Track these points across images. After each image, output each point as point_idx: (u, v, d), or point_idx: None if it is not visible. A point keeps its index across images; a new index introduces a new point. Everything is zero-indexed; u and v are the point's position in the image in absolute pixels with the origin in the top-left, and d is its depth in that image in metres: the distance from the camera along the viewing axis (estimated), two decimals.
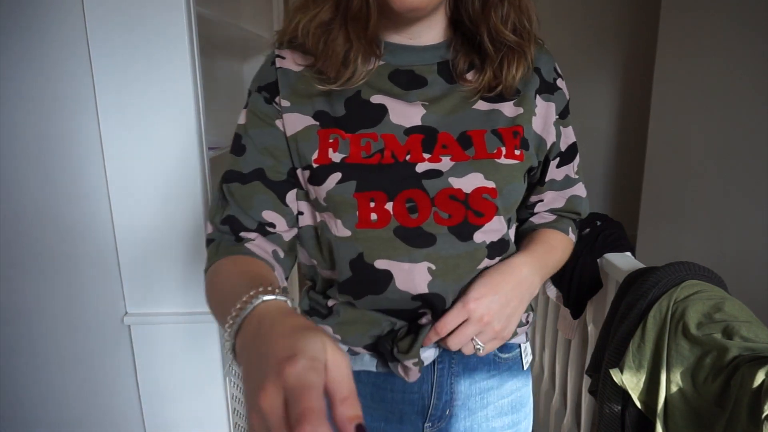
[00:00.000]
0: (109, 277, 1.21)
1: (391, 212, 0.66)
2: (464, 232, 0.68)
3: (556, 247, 0.79)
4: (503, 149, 0.69)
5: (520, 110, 0.71)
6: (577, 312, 1.59)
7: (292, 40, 0.69)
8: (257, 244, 0.69)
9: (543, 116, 0.74)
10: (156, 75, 1.09)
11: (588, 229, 1.55)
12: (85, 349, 1.25)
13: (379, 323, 0.72)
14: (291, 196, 0.71)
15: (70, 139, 1.14)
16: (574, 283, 1.53)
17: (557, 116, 0.75)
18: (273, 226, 0.71)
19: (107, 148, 1.13)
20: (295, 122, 0.69)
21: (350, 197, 0.65)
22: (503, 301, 0.68)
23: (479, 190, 0.67)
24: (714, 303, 1.01)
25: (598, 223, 1.57)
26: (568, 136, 0.79)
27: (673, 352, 1.02)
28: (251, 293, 0.49)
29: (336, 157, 0.66)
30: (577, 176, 0.83)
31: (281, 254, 0.72)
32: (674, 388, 1.00)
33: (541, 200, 0.82)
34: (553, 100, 0.75)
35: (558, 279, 1.63)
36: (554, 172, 0.80)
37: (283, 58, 0.70)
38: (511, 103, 0.71)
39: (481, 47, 0.69)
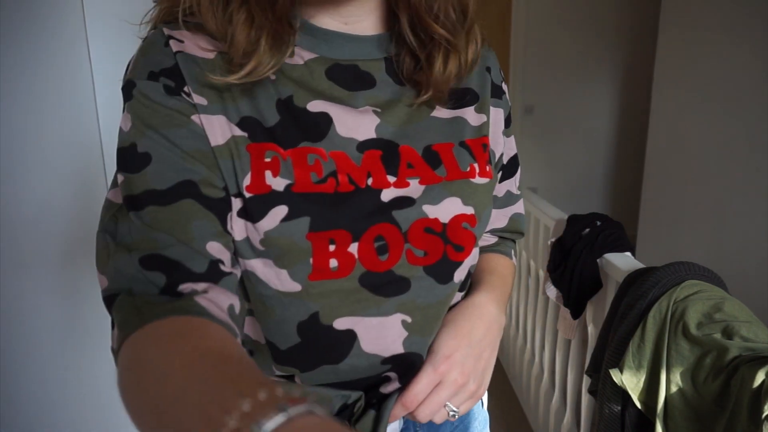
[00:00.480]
0: None
1: (356, 256, 0.50)
2: (443, 271, 0.55)
3: (507, 276, 0.68)
4: (476, 166, 0.57)
5: (484, 118, 0.60)
6: (576, 312, 1.59)
7: (187, 20, 0.49)
8: (210, 297, 0.45)
9: (494, 124, 0.62)
10: None
11: (588, 229, 1.55)
12: (85, 351, 1.25)
13: (328, 401, 0.54)
14: (230, 221, 0.49)
15: (72, 139, 1.14)
16: (574, 283, 1.53)
17: (503, 125, 0.64)
18: (222, 263, 0.48)
19: (107, 148, 1.13)
20: (215, 129, 0.49)
21: (302, 240, 0.48)
22: (476, 353, 0.56)
23: (458, 219, 0.54)
24: (714, 303, 1.01)
25: (598, 223, 1.57)
26: (511, 148, 0.68)
27: (673, 352, 1.02)
28: (249, 405, 0.26)
29: (277, 183, 0.48)
30: (518, 192, 0.72)
31: (236, 309, 0.48)
32: (674, 388, 1.01)
33: None
34: (501, 106, 0.64)
35: (558, 279, 1.63)
36: (496, 188, 0.67)
37: (181, 41, 0.49)
38: (473, 108, 0.59)
39: (425, 36, 0.54)
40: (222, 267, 0.48)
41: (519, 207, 0.72)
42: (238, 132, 0.49)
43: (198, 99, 0.48)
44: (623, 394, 1.13)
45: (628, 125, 4.19)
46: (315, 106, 0.51)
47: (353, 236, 0.50)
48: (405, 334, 0.53)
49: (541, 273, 1.90)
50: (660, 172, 3.12)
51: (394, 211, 0.52)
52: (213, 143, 0.48)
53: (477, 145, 0.58)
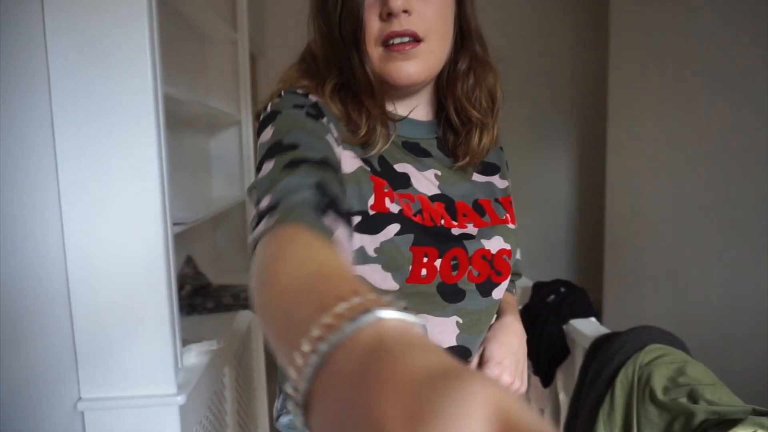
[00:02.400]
0: (62, 359, 1.16)
1: (438, 269, 0.67)
2: (487, 289, 0.72)
3: (516, 306, 0.86)
4: (508, 216, 0.77)
5: (506, 183, 0.82)
6: (547, 380, 1.58)
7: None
8: (340, 233, 0.52)
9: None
10: (120, 150, 1.09)
11: (553, 296, 1.58)
12: None
13: None
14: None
15: (28, 213, 1.12)
16: (543, 351, 1.54)
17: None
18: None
19: (67, 223, 1.11)
20: (347, 159, 0.65)
21: (407, 250, 0.64)
22: (516, 359, 0.74)
23: (501, 252, 0.72)
24: (677, 367, 1.03)
25: (563, 289, 1.60)
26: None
27: (643, 418, 1.02)
28: (353, 301, 0.29)
29: (393, 207, 0.65)
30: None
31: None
32: None
33: None
34: (509, 177, 0.84)
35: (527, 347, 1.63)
36: None
37: (315, 97, 0.67)
38: (498, 176, 0.81)
39: (460, 119, 0.74)
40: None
41: (518, 253, 0.89)
42: (363, 165, 0.66)
43: (334, 132, 0.64)
44: None
45: (587, 192, 4.36)
46: (400, 167, 0.70)
47: (439, 253, 0.67)
48: (458, 331, 0.70)
49: None
50: (620, 238, 3.22)
51: (464, 240, 0.69)
52: (344, 170, 0.64)
53: (506, 202, 0.79)
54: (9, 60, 1.07)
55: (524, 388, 0.77)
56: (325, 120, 0.64)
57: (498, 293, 0.73)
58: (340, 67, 0.69)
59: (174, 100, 1.36)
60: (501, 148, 0.85)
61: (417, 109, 0.74)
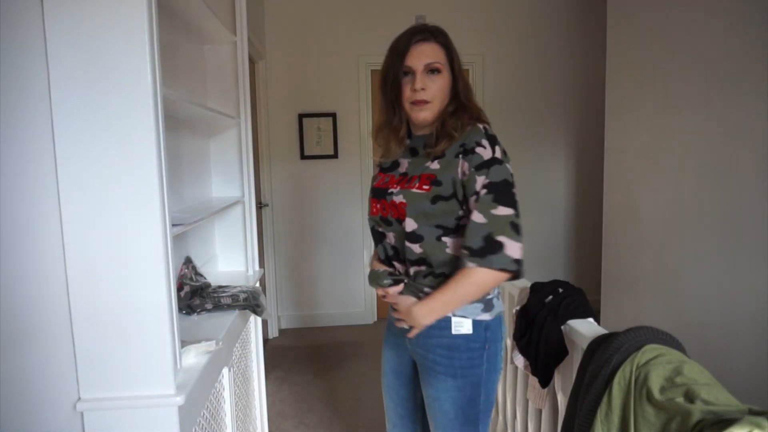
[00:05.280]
0: (61, 359, 1.16)
1: (379, 208, 1.36)
2: (400, 220, 1.29)
3: (449, 289, 1.29)
4: (417, 184, 1.28)
5: (438, 167, 1.27)
6: (545, 380, 1.59)
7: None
8: None
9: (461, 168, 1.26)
10: (120, 151, 1.10)
11: (551, 296, 1.58)
12: None
13: None
14: None
15: (28, 214, 1.12)
16: (541, 351, 1.54)
17: (473, 168, 1.21)
18: None
19: (66, 224, 1.11)
20: (375, 172, 1.48)
21: (369, 201, 1.43)
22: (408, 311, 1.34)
23: (401, 203, 1.28)
24: (674, 367, 1.03)
25: (560, 290, 1.60)
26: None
27: (640, 418, 1.02)
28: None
29: (376, 183, 1.41)
30: None
31: None
32: None
33: None
34: (468, 160, 1.23)
35: (525, 347, 1.64)
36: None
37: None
38: (436, 162, 1.28)
39: (439, 134, 1.30)
40: None
41: (471, 238, 1.33)
42: (379, 170, 1.47)
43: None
44: None
45: (585, 194, 4.37)
46: (399, 160, 1.39)
47: (377, 201, 1.37)
48: (395, 238, 1.36)
49: (509, 342, 1.90)
50: (617, 240, 3.23)
51: (386, 195, 1.35)
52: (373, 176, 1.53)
53: (424, 177, 1.31)
54: (8, 60, 1.08)
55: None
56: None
57: (404, 225, 1.28)
58: (386, 113, 1.34)
59: (173, 102, 1.36)
60: (465, 146, 1.24)
61: (422, 129, 1.35)
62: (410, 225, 1.26)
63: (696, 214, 2.52)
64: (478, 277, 1.19)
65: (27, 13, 1.07)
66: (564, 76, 4.23)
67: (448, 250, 1.26)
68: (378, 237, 1.40)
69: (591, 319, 1.50)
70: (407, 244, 1.28)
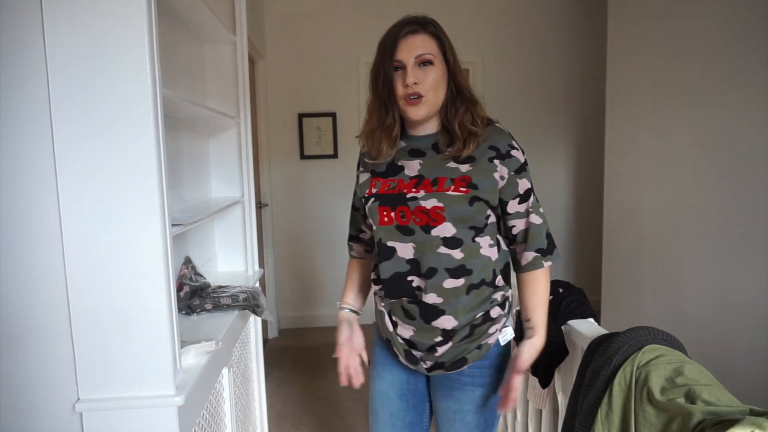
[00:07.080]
0: (61, 359, 1.16)
1: (394, 217, 1.21)
2: (427, 229, 1.19)
3: (540, 308, 1.33)
4: (452, 187, 1.18)
5: (469, 167, 1.20)
6: (545, 381, 1.58)
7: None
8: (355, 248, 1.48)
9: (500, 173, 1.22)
10: (120, 152, 1.09)
11: (551, 297, 1.58)
12: None
13: None
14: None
15: (27, 214, 1.12)
16: (541, 351, 1.53)
17: (513, 172, 1.21)
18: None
19: (66, 224, 1.11)
20: (362, 177, 1.32)
21: (376, 210, 1.23)
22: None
23: (434, 208, 1.17)
24: (674, 367, 1.03)
25: (561, 290, 1.60)
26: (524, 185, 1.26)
27: (641, 419, 1.02)
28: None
29: (374, 190, 1.25)
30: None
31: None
32: None
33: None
34: (486, 170, 1.20)
35: None
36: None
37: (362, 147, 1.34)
38: (468, 165, 1.20)
39: (453, 133, 1.21)
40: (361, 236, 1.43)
41: (543, 235, 1.36)
42: (370, 175, 1.30)
43: (361, 168, 1.36)
44: None
45: (585, 194, 4.37)
46: (400, 163, 1.25)
47: (392, 209, 1.22)
48: (413, 251, 1.22)
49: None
50: (618, 240, 3.23)
51: (408, 201, 1.22)
52: (359, 182, 1.37)
53: (458, 180, 1.21)
54: (8, 61, 1.07)
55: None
56: (360, 170, 1.34)
57: (437, 231, 1.18)
58: (379, 113, 1.24)
59: (173, 102, 1.36)
60: (499, 150, 1.21)
61: (424, 129, 1.26)
62: (448, 230, 1.17)
63: (696, 214, 2.52)
64: (548, 274, 1.30)
65: (26, 13, 1.06)
66: (564, 76, 4.23)
67: (482, 251, 1.21)
68: (385, 253, 1.23)
69: (591, 319, 1.50)
70: (444, 251, 1.18)
